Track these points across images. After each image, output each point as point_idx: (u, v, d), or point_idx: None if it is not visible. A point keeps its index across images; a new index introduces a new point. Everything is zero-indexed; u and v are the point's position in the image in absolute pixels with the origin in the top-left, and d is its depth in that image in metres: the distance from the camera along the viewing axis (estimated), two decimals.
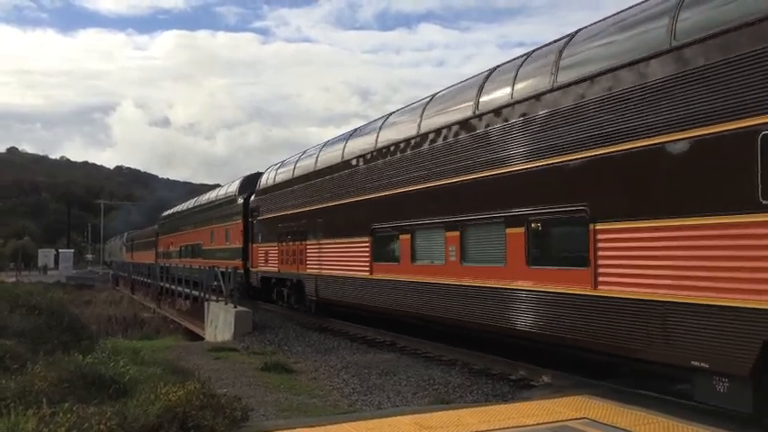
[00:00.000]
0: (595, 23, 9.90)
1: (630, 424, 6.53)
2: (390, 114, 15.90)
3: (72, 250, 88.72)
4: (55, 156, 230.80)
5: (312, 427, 6.83)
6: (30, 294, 17.52)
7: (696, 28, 7.62)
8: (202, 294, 23.58)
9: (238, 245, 26.76)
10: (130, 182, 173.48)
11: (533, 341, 10.61)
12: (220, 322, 19.94)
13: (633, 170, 8.23)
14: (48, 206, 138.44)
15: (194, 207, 37.79)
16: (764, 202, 6.66)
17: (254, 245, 24.71)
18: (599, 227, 8.77)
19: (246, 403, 7.76)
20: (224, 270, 22.33)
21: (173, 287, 30.59)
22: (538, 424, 6.64)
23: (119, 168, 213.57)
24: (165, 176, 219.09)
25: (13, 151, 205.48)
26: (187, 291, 27.11)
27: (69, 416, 5.98)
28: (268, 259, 23.02)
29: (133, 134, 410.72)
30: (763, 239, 6.71)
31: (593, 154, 8.90)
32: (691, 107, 7.49)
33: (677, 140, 7.61)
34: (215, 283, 22.27)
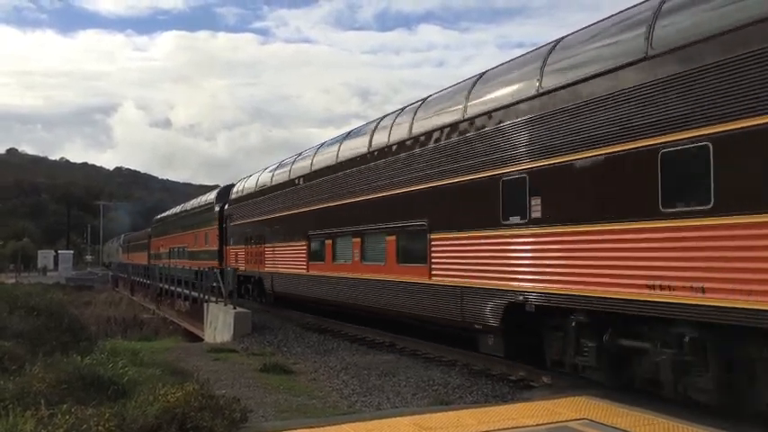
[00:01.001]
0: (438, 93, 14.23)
1: (630, 425, 6.52)
2: (321, 145, 20.17)
3: (71, 251, 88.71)
4: (54, 157, 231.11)
5: (311, 428, 6.81)
6: (29, 295, 17.51)
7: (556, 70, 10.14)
8: (201, 295, 23.60)
9: (215, 247, 30.27)
10: (130, 183, 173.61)
11: (389, 314, 14.89)
12: (219, 323, 19.93)
13: (452, 197, 12.10)
14: (47, 207, 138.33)
15: (181, 212, 41.62)
16: (504, 222, 10.61)
17: (228, 247, 28.52)
18: (433, 235, 12.58)
19: (245, 404, 7.74)
20: (226, 270, 22.37)
21: (172, 288, 30.61)
22: (538, 425, 6.63)
23: (118, 169, 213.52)
24: (164, 177, 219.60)
25: (12, 152, 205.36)
26: (186, 292, 27.10)
27: (68, 417, 5.97)
28: (237, 259, 26.66)
29: (134, 135, 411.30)
30: (479, 246, 11.22)
31: (429, 186, 12.84)
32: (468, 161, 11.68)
33: (481, 178, 11.22)
34: (214, 284, 22.28)
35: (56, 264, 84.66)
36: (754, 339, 7.05)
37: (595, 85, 8.98)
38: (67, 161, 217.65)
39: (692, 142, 7.49)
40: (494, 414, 7.18)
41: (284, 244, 21.26)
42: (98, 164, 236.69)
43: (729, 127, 7.10)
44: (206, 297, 22.74)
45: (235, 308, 19.14)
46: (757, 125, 6.82)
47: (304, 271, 19.33)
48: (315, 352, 14.64)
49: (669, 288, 7.72)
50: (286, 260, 21.07)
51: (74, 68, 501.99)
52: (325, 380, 11.47)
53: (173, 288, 30.48)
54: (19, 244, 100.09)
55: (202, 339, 21.49)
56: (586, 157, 9.00)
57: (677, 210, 7.68)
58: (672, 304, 7.67)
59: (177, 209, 44.39)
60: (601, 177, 8.77)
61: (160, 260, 44.70)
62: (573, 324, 9.33)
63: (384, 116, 16.28)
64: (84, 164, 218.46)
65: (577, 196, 9.19)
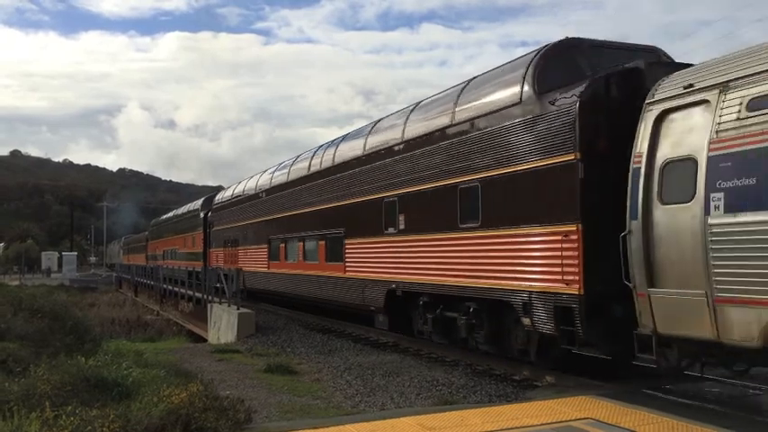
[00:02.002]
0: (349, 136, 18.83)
1: (635, 424, 6.52)
2: (280, 165, 24.49)
3: (75, 253, 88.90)
4: (58, 159, 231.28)
5: (315, 428, 6.82)
6: (33, 297, 17.58)
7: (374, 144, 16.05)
8: (205, 296, 23.65)
9: (200, 249, 34.37)
10: (134, 184, 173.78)
11: (322, 302, 18.96)
12: (223, 324, 19.95)
13: (356, 212, 16.23)
14: (51, 209, 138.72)
15: (173, 218, 46.04)
16: (385, 231, 14.64)
17: (210, 249, 32.72)
18: (347, 240, 16.61)
19: (249, 405, 7.77)
20: (228, 271, 22.40)
21: (175, 289, 30.69)
22: (542, 424, 6.62)
23: (122, 171, 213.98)
24: (168, 178, 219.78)
25: (16, 154, 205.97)
26: (190, 293, 27.16)
27: (72, 419, 5.99)
28: (218, 260, 30.60)
29: (139, 136, 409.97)
30: (371, 249, 15.42)
31: (343, 203, 17.06)
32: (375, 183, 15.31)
33: (373, 199, 15.28)
34: (218, 284, 22.33)
35: (60, 265, 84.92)
36: (506, 308, 10.84)
37: (426, 141, 13.34)
38: (71, 163, 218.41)
39: (472, 182, 11.52)
40: (498, 414, 7.18)
41: (253, 246, 25.46)
42: (101, 165, 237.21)
43: (487, 174, 11.14)
44: (209, 298, 22.78)
45: (238, 308, 19.15)
46: (498, 174, 10.91)
47: (266, 269, 23.60)
48: (318, 352, 14.65)
49: (463, 276, 11.72)
50: (254, 260, 25.09)
51: (77, 70, 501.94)
52: (328, 380, 11.47)
53: (176, 289, 30.58)
54: (23, 246, 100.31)
55: (206, 340, 21.51)
56: (425, 188, 13.10)
57: (466, 225, 11.71)
58: (464, 287, 11.73)
59: (170, 214, 48.94)
60: (432, 202, 12.86)
61: (156, 261, 48.15)
62: (421, 303, 13.49)
63: (325, 143, 20.40)
64: (88, 165, 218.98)
65: (421, 215, 13.29)
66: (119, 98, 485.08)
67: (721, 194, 7.22)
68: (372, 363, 12.83)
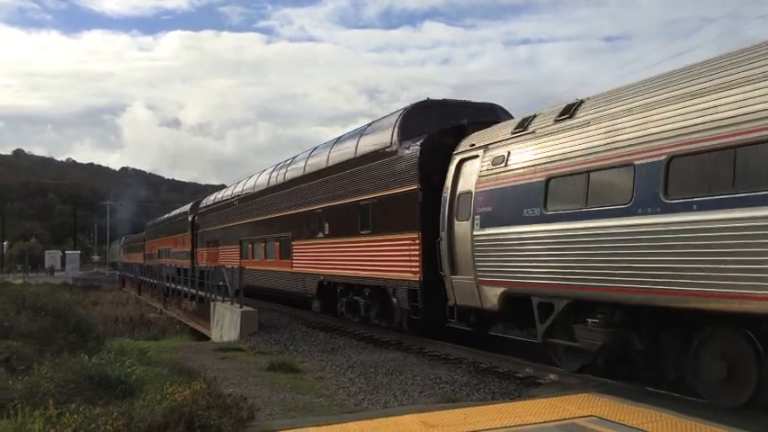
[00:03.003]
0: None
1: (639, 421, 6.49)
2: (250, 177, 29.16)
3: (78, 252, 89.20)
4: (61, 158, 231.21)
5: (318, 426, 6.81)
6: (37, 296, 17.63)
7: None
8: (208, 295, 23.68)
9: (188, 249, 38.57)
10: (137, 183, 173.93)
11: (279, 292, 23.35)
12: (226, 322, 19.97)
13: (298, 220, 20.42)
14: (54, 208, 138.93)
15: (165, 220, 51.00)
16: (317, 236, 18.74)
17: (197, 249, 36.92)
18: (293, 242, 20.69)
19: (252, 403, 7.77)
20: (231, 267, 22.45)
21: (178, 287, 30.76)
22: (545, 422, 6.60)
23: (124, 170, 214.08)
24: (171, 177, 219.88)
25: (19, 153, 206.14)
26: (193, 291, 27.21)
27: (76, 416, 5.99)
28: (203, 258, 34.69)
29: (144, 135, 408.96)
30: (308, 249, 19.48)
31: (289, 213, 21.40)
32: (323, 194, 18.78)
33: (307, 210, 19.57)
34: (220, 282, 22.35)
35: (63, 264, 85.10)
36: (386, 292, 14.65)
37: (340, 168, 17.57)
38: (74, 162, 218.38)
39: (367, 201, 15.63)
40: (501, 411, 7.16)
41: (228, 246, 29.79)
42: (105, 164, 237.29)
43: (374, 195, 15.28)
44: (212, 296, 22.79)
45: (241, 307, 19.16)
46: (379, 196, 15.01)
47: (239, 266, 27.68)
48: (321, 350, 14.65)
49: (362, 269, 15.76)
50: (230, 258, 28.80)
51: (79, 69, 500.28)
52: (331, 378, 11.47)
53: (179, 287, 30.63)
54: (26, 245, 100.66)
55: (209, 338, 21.53)
56: (339, 204, 17.22)
57: (363, 231, 15.68)
58: (363, 277, 15.72)
59: (164, 216, 53.58)
60: (343, 214, 16.96)
61: (152, 259, 52.70)
62: (339, 291, 17.48)
63: (282, 162, 24.68)
64: (91, 164, 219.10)
65: (337, 223, 17.41)
66: (121, 97, 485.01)
67: (479, 216, 11.27)
68: (375, 361, 12.82)
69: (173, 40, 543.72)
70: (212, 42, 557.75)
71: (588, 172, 9.10)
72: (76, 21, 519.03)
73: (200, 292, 25.87)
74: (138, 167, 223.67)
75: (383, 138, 15.29)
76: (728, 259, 7.13)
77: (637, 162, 8.26)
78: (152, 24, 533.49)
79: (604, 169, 8.87)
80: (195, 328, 25.92)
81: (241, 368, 12.59)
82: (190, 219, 38.49)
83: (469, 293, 11.49)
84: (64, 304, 16.62)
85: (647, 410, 6.92)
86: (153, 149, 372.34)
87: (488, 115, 14.20)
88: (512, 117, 13.37)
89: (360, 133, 17.35)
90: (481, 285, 11.12)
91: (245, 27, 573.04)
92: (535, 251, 9.99)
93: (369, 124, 17.33)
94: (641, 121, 8.40)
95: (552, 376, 10.30)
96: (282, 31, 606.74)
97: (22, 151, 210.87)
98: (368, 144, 16.19)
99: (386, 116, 16.34)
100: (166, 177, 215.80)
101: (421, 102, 15.39)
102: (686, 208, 7.59)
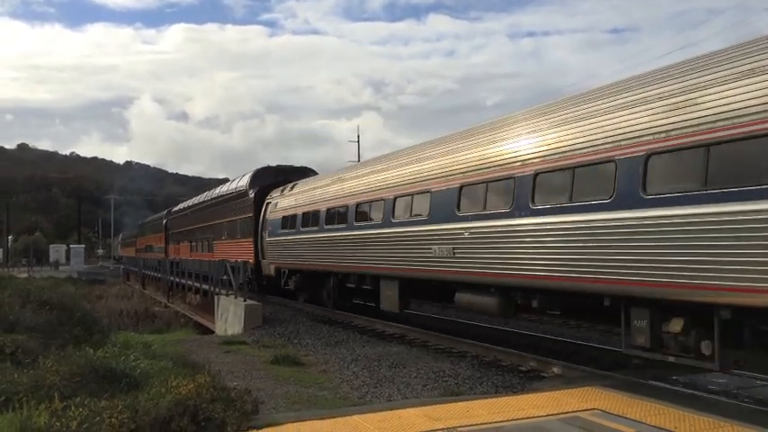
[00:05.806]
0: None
1: (641, 415, 6.51)
2: (203, 194, 39.67)
3: (83, 246, 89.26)
4: (65, 152, 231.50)
5: (322, 419, 6.85)
6: (41, 289, 17.67)
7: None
8: (212, 288, 23.77)
9: (164, 245, 49.28)
10: (141, 177, 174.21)
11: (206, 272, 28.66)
12: (230, 316, 20.03)
13: (210, 229, 33.89)
14: (59, 202, 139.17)
15: (149, 221, 63.68)
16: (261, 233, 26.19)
17: (169, 245, 47.71)
18: (215, 242, 32.58)
19: (257, 396, 7.80)
20: (234, 263, 22.54)
21: (183, 281, 30.88)
22: (548, 415, 6.63)
23: (128, 163, 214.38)
24: (175, 171, 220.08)
25: (23, 147, 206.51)
26: (197, 285, 27.30)
27: (81, 410, 6.03)
28: (173, 252, 44.69)
29: (151, 129, 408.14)
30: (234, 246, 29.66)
31: (207, 224, 34.45)
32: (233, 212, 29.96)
33: (209, 224, 34.29)
34: (224, 276, 22.43)
35: (67, 258, 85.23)
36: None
37: (219, 203, 32.89)
38: (78, 156, 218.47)
39: (233, 220, 29.46)
40: (504, 405, 7.18)
41: (185, 243, 41.19)
42: (109, 158, 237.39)
43: (233, 218, 29.69)
44: (217, 290, 22.87)
45: (245, 300, 19.22)
46: (234, 219, 28.97)
47: (188, 257, 36.80)
48: (325, 344, 14.69)
49: (233, 256, 25.76)
50: (184, 252, 40.04)
51: (84, 62, 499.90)
52: (335, 371, 11.51)
53: (183, 281, 30.74)
54: (31, 238, 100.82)
55: (213, 332, 21.61)
56: (217, 222, 32.33)
57: (232, 236, 29.16)
58: (235, 260, 23.60)
59: (148, 219, 66.13)
60: (218, 227, 32.11)
61: (142, 253, 62.42)
62: (226, 267, 23.13)
63: (209, 191, 37.27)
64: (95, 158, 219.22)
65: (218, 232, 31.95)
66: (126, 90, 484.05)
67: (267, 231, 23.61)
68: (379, 354, 12.86)
69: (176, 33, 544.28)
70: (216, 35, 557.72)
71: (311, 212, 19.80)
72: (80, 13, 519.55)
73: (204, 286, 25.96)
74: (142, 161, 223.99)
75: (240, 184, 29.03)
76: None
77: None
78: (156, 17, 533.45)
79: (334, 208, 18.30)
80: (199, 321, 26.00)
81: (245, 361, 12.64)
82: (164, 222, 50.19)
83: (267, 267, 23.74)
84: (69, 298, 16.66)
85: (650, 404, 6.94)
86: (160, 142, 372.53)
87: (301, 174, 25.55)
88: (317, 173, 25.55)
89: (233, 180, 32.60)
90: (270, 264, 23.39)
91: (249, 20, 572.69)
92: (289, 247, 21.18)
93: (239, 176, 30.59)
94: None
95: (556, 370, 10.32)
96: (286, 24, 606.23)
97: (27, 145, 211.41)
98: (232, 187, 30.87)
99: (245, 174, 29.25)
100: (170, 171, 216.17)
101: (263, 167, 28.58)
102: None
